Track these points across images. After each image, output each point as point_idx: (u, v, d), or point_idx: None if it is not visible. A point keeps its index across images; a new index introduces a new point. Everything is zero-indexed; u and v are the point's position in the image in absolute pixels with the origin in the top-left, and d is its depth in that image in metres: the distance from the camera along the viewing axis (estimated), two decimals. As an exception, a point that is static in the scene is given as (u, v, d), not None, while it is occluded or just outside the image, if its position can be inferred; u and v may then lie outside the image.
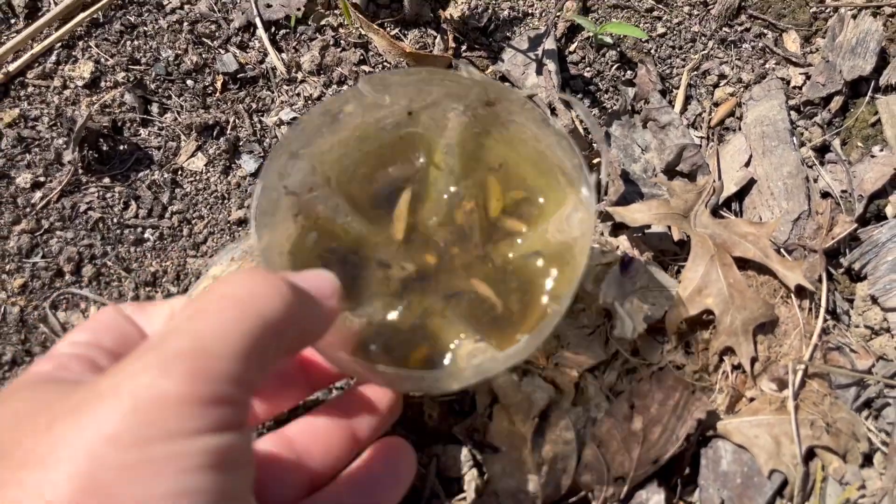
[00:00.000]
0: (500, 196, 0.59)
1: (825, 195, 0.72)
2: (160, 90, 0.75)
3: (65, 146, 0.70)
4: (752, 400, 0.64)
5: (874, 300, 0.68)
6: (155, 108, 0.74)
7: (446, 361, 0.55)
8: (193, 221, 0.70)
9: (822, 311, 0.66)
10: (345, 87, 0.77)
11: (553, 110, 0.74)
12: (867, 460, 0.62)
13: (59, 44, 0.76)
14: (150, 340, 0.35)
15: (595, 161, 0.71)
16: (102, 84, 0.75)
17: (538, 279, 0.57)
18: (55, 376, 0.38)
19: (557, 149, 0.53)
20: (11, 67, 0.74)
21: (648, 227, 0.70)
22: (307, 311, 0.39)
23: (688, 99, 0.78)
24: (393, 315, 0.56)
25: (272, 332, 0.35)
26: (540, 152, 0.56)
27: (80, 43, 0.76)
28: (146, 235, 0.69)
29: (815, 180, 0.73)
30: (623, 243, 0.70)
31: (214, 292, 0.36)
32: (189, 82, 0.76)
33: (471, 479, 0.61)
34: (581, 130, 0.75)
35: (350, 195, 0.57)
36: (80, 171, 0.70)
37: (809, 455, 0.61)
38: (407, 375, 0.49)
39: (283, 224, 0.53)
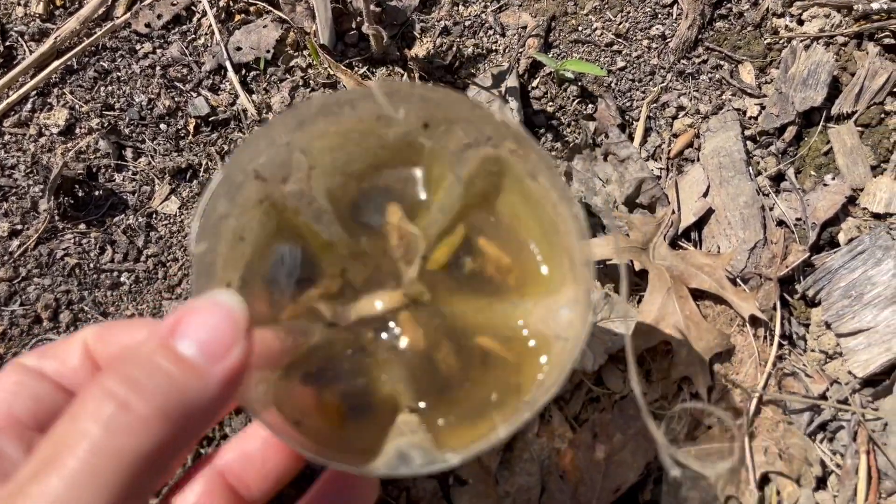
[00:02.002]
0: (495, 251, 0.51)
1: (780, 223, 0.75)
2: (134, 135, 0.77)
3: (41, 194, 0.72)
4: (709, 427, 0.66)
5: (828, 326, 0.70)
6: (129, 153, 0.77)
7: (369, 419, 0.48)
8: (168, 264, 0.72)
9: (776, 339, 0.69)
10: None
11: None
12: (821, 483, 0.65)
13: (35, 91, 0.78)
14: None
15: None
16: (77, 131, 0.77)
17: (500, 363, 0.49)
18: None
19: (573, 233, 0.46)
20: (-12, 116, 0.76)
21: (610, 259, 0.72)
22: (190, 423, 0.33)
23: (647, 130, 0.80)
24: (332, 340, 0.49)
25: (141, 468, 0.30)
26: (555, 225, 0.48)
27: (55, 90, 0.78)
28: (122, 279, 0.71)
29: (771, 209, 0.75)
30: (585, 275, 0.73)
31: (67, 431, 0.31)
32: (162, 126, 0.78)
33: (439, 511, 0.63)
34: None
35: (331, 197, 0.50)
36: (57, 218, 0.72)
37: (764, 480, 0.64)
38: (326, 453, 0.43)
39: (243, 212, 0.46)
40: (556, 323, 0.48)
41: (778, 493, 0.63)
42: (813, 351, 0.71)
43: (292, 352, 0.47)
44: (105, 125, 0.77)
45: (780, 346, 0.69)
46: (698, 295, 0.70)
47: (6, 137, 0.76)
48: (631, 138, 0.79)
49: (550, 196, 0.48)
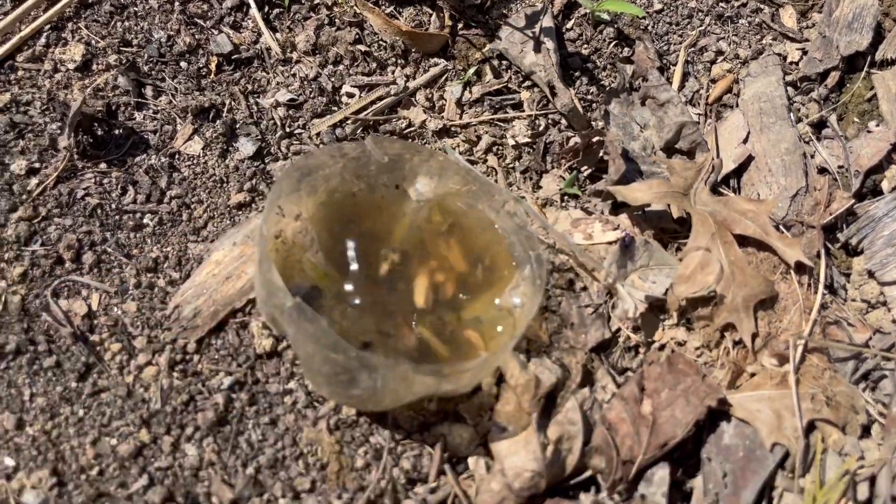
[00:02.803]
0: (459, 265, 0.66)
1: (822, 171, 0.73)
2: (153, 72, 0.74)
3: (59, 131, 0.69)
4: (753, 375, 0.65)
5: (871, 274, 0.69)
6: (149, 91, 0.73)
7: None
8: (193, 206, 0.70)
9: (820, 286, 0.67)
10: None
11: (553, 89, 0.73)
12: (866, 431, 0.64)
13: (48, 26, 0.74)
14: None
15: (595, 139, 0.71)
16: (94, 67, 0.73)
17: (482, 333, 0.65)
18: None
19: (513, 234, 0.65)
20: (0, 51, 0.72)
21: (649, 205, 0.70)
22: None
23: (685, 76, 0.78)
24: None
25: None
26: (496, 233, 0.66)
27: (70, 24, 0.75)
28: (145, 221, 0.68)
29: (813, 156, 0.74)
30: (623, 221, 0.71)
31: None
32: (183, 64, 0.75)
33: (477, 457, 0.62)
34: (580, 109, 0.75)
35: (324, 235, 0.63)
36: (76, 156, 0.69)
37: (810, 428, 0.62)
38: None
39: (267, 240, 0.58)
40: (511, 298, 0.65)
41: (823, 440, 0.62)
42: (854, 300, 0.69)
43: None
44: (123, 62, 0.73)
45: (823, 294, 0.68)
46: (740, 241, 0.69)
47: (20, 73, 0.72)
48: (669, 83, 0.77)
49: (489, 215, 0.66)
